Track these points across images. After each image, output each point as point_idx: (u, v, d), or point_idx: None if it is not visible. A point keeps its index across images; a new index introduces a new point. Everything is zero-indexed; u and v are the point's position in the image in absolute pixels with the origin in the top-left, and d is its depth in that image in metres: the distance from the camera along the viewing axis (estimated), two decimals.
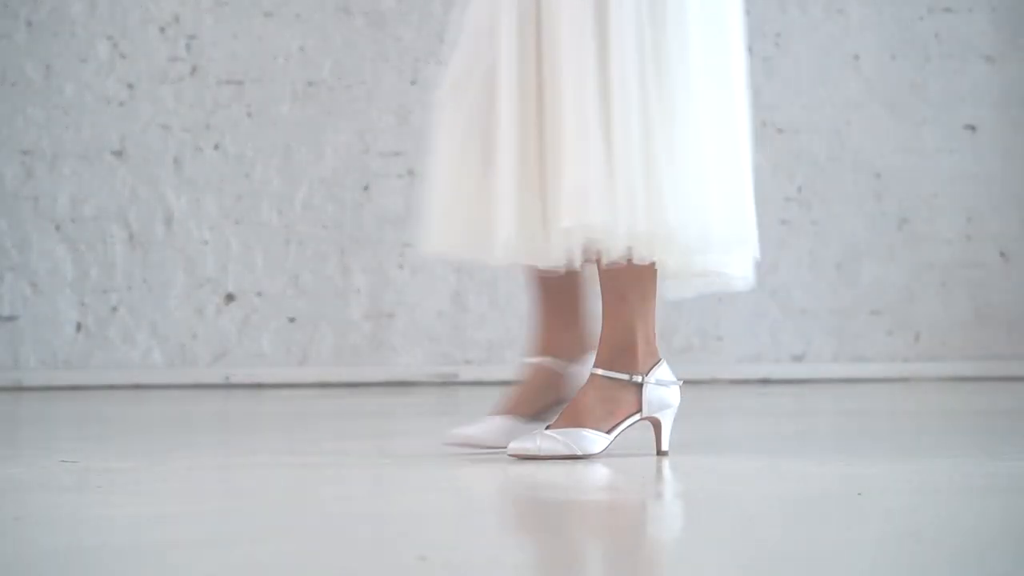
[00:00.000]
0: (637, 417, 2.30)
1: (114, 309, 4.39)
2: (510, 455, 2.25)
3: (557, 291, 2.41)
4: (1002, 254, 4.47)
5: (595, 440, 2.25)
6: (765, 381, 4.36)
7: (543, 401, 2.40)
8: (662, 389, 2.32)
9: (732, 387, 4.24)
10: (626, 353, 2.29)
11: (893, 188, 4.47)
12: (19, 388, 4.33)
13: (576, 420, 2.26)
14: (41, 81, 4.40)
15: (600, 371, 2.29)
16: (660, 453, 2.33)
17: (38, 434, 3.08)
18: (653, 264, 2.28)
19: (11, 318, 4.40)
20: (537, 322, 2.45)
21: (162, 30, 4.42)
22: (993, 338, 4.45)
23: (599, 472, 2.17)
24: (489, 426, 2.37)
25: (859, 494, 1.87)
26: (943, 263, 4.46)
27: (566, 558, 1.53)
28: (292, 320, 4.41)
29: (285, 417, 3.48)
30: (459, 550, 1.58)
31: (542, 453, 2.23)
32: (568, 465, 2.19)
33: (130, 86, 4.41)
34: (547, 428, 2.28)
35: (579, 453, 2.24)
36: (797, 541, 1.59)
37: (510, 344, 4.42)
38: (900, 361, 4.44)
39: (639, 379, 2.30)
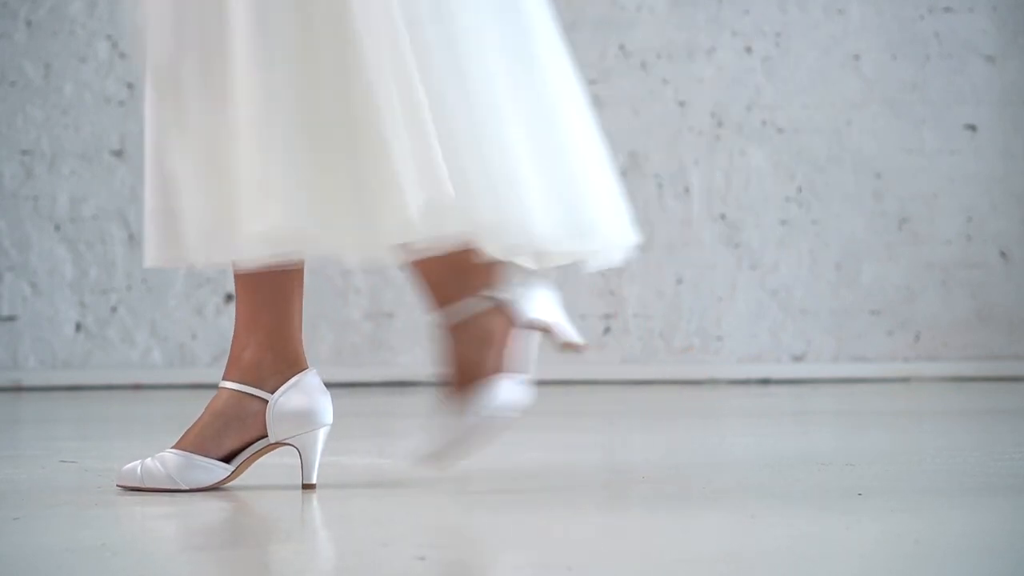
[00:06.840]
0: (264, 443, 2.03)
1: (114, 309, 4.39)
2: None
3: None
4: (1002, 254, 4.46)
5: None
6: (765, 381, 4.36)
7: None
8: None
9: (732, 387, 4.24)
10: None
11: (893, 188, 4.47)
12: (18, 388, 4.32)
13: None
14: (40, 81, 4.40)
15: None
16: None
17: (38, 434, 3.08)
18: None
19: (10, 318, 4.39)
20: None
21: None
22: (993, 338, 4.45)
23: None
24: None
25: (859, 494, 1.87)
26: (943, 263, 4.46)
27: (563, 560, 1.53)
28: None
29: None
30: (459, 550, 1.58)
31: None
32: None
33: (130, 86, 4.40)
34: None
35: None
36: (797, 540, 1.58)
37: None
38: (900, 361, 4.44)
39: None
